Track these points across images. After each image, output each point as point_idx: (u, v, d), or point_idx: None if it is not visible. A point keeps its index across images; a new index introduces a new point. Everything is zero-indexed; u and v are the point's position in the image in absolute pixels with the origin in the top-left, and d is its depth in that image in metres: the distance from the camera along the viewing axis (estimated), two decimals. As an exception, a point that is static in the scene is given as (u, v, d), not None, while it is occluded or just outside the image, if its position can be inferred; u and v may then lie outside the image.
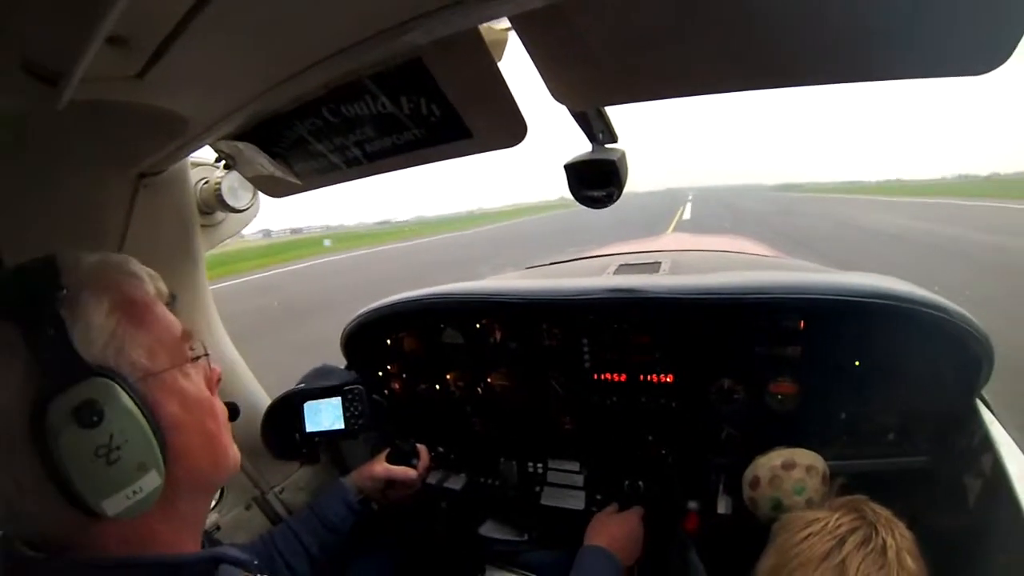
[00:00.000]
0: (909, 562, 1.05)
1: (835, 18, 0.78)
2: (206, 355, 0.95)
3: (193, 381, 0.88)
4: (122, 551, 0.79)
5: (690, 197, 69.74)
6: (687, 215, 32.52)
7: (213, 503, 1.92)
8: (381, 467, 1.88)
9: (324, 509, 1.72)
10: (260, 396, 2.11)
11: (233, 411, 0.99)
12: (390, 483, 1.89)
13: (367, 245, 34.12)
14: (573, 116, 1.14)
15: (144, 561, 0.80)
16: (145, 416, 0.77)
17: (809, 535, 1.11)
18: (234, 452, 0.95)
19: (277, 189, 1.61)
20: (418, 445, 2.02)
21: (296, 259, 27.52)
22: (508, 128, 1.09)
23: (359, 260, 25.53)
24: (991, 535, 1.30)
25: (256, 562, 1.00)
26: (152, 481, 0.77)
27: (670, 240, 5.09)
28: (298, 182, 1.46)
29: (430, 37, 0.88)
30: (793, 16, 0.79)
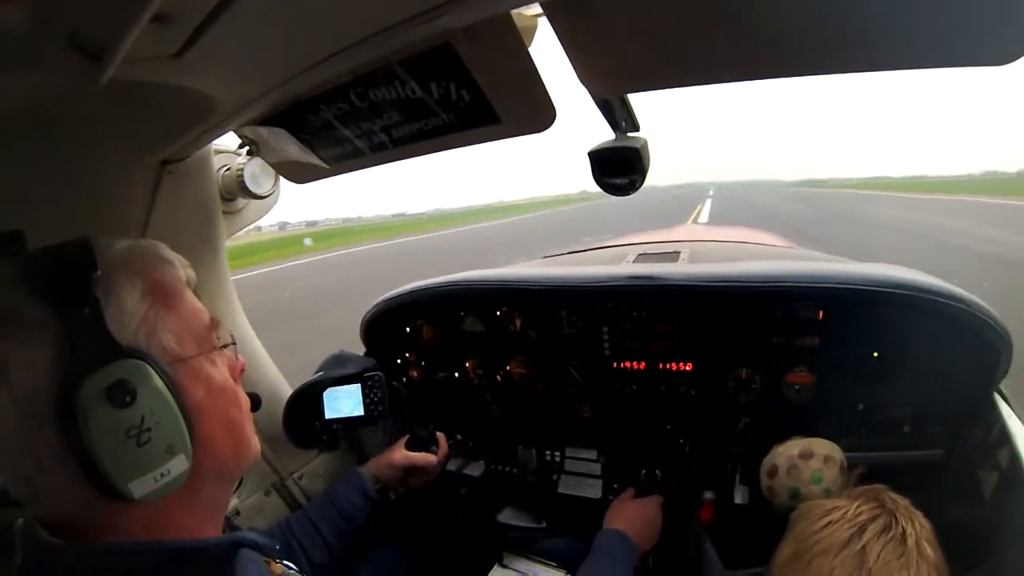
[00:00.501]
0: (928, 551, 1.05)
1: (856, 6, 0.78)
2: (233, 344, 0.96)
3: (219, 369, 0.89)
4: (144, 535, 0.79)
5: (711, 193, 65.74)
6: (704, 218, 28.55)
7: (233, 489, 1.94)
8: (401, 455, 1.90)
9: (341, 498, 1.73)
10: (281, 384, 2.13)
11: (255, 401, 1.00)
12: (410, 470, 1.91)
13: (361, 241, 32.31)
14: (597, 104, 1.15)
15: (166, 546, 0.80)
16: (175, 400, 0.78)
17: (829, 523, 1.11)
18: (255, 442, 0.95)
19: (300, 175, 1.62)
20: (436, 432, 2.03)
21: (254, 264, 23.78)
22: (537, 113, 1.09)
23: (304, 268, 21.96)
24: (1007, 529, 1.31)
25: (277, 546, 1.01)
26: (180, 465, 0.77)
27: (687, 231, 5.11)
28: (324, 166, 1.46)
29: (462, 22, 0.88)
30: (815, 5, 0.79)
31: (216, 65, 1.02)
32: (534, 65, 1.00)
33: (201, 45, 0.89)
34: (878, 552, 1.03)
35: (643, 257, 2.35)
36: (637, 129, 1.24)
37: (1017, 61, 0.79)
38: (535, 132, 1.14)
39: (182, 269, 0.90)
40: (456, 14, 0.84)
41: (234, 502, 1.90)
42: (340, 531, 1.67)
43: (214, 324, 0.91)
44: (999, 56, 0.78)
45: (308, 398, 2.01)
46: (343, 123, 1.27)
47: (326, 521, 1.67)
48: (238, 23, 0.84)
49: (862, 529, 1.07)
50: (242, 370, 0.97)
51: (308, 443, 2.08)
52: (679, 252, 2.34)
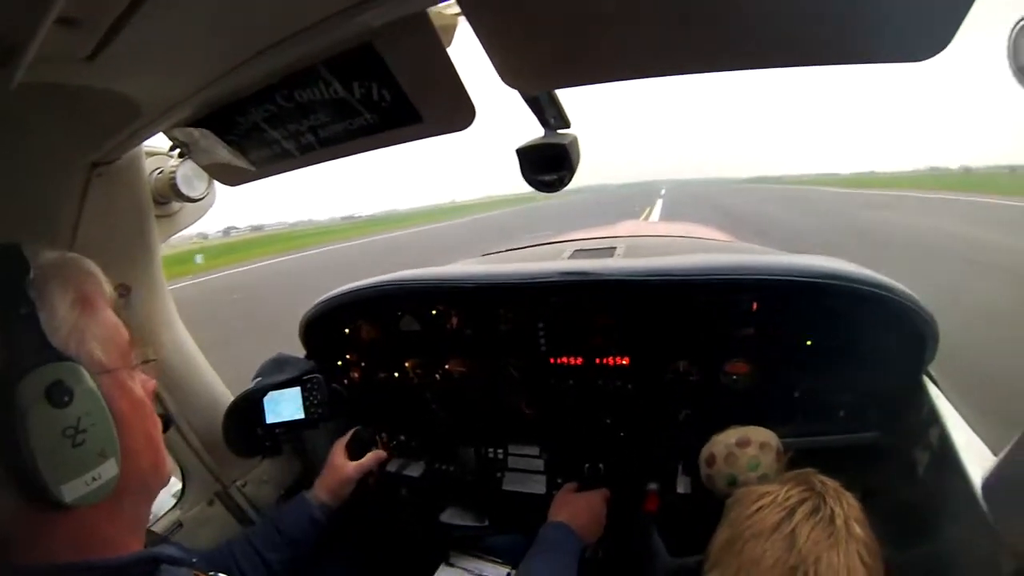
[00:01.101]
0: (857, 529, 1.08)
1: (779, 3, 0.80)
2: (153, 360, 0.97)
3: (137, 386, 0.89)
4: (70, 552, 0.78)
5: (662, 192, 60.60)
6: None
7: (174, 501, 1.90)
8: (353, 468, 1.87)
9: (288, 526, 1.70)
10: (220, 389, 2.09)
11: (166, 423, 1.00)
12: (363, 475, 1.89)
13: (283, 251, 28.90)
14: (525, 101, 1.16)
15: (89, 565, 0.79)
16: (106, 406, 0.78)
17: (760, 508, 1.13)
18: (169, 463, 0.96)
19: (232, 177, 1.59)
20: (374, 431, 2.04)
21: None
22: (457, 112, 1.10)
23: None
24: (940, 504, 1.36)
25: (195, 560, 1.00)
26: (110, 469, 0.77)
27: (627, 227, 5.06)
28: (252, 169, 1.45)
29: (380, 20, 0.89)
30: (738, 2, 0.81)
31: (134, 67, 1.02)
32: (452, 64, 1.00)
33: (115, 47, 0.89)
34: (807, 533, 1.05)
35: (579, 253, 2.36)
36: (567, 125, 1.25)
37: (937, 55, 0.82)
38: (456, 131, 1.14)
39: (106, 285, 0.91)
40: (373, 13, 0.85)
41: (176, 514, 1.86)
42: (286, 558, 1.65)
43: (134, 341, 0.92)
44: (921, 52, 0.81)
45: (248, 405, 1.97)
46: (271, 125, 1.27)
47: (271, 549, 1.64)
48: (151, 25, 0.84)
49: (792, 512, 1.09)
50: (153, 391, 0.96)
51: (250, 450, 2.04)
52: (615, 247, 2.35)
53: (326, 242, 33.04)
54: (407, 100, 1.07)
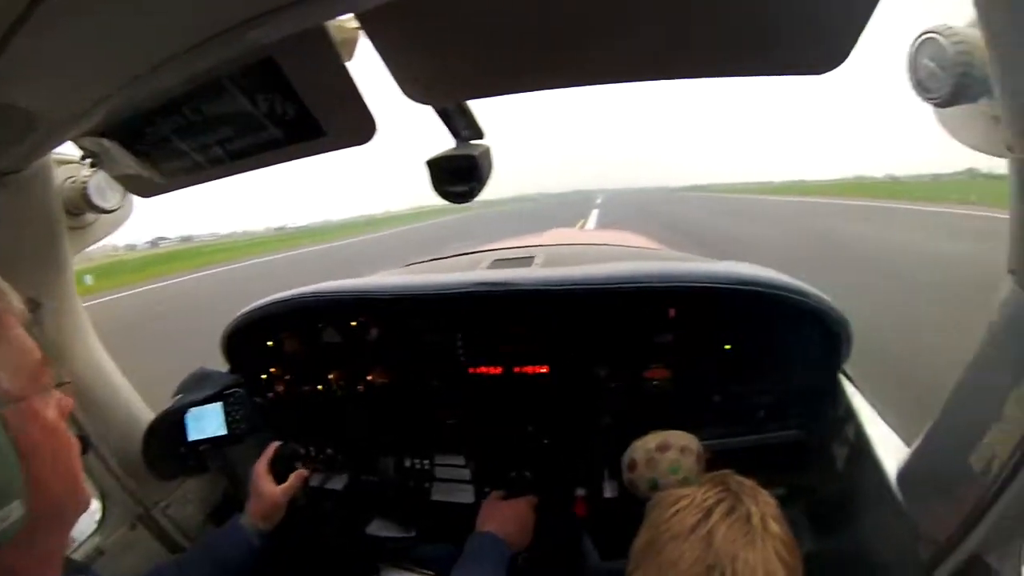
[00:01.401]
0: (773, 526, 1.10)
1: (679, 15, 0.82)
2: (68, 383, 0.92)
3: (52, 410, 0.85)
4: None
5: (598, 201, 58.85)
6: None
7: (95, 526, 1.83)
8: (280, 492, 1.77)
9: (224, 552, 1.64)
10: (139, 408, 2.01)
11: (84, 445, 0.96)
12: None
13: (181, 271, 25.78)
14: (437, 113, 1.16)
15: None
16: (10, 442, 0.74)
17: (678, 510, 1.15)
18: (87, 487, 0.91)
19: (144, 188, 1.55)
20: (297, 446, 1.99)
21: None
22: (358, 127, 1.11)
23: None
24: (859, 496, 1.42)
25: None
26: (15, 511, 0.73)
27: (552, 235, 5.05)
28: (163, 181, 1.42)
29: (278, 34, 0.88)
30: (637, 13, 0.83)
31: (26, 78, 0.99)
32: (351, 78, 1.01)
33: (5, 59, 0.86)
34: (724, 532, 1.07)
35: (497, 263, 2.36)
36: (480, 136, 1.26)
37: (838, 68, 0.85)
38: (358, 144, 1.16)
39: (16, 302, 0.85)
40: (271, 26, 0.84)
41: (96, 540, 1.78)
42: None
43: (45, 361, 0.86)
44: (822, 65, 0.84)
45: (169, 423, 1.91)
46: (180, 137, 1.25)
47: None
48: (40, 39, 0.82)
49: (708, 513, 1.11)
50: (69, 411, 0.92)
51: (173, 470, 1.97)
52: (533, 256, 2.35)
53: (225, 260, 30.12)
54: (309, 114, 1.08)
